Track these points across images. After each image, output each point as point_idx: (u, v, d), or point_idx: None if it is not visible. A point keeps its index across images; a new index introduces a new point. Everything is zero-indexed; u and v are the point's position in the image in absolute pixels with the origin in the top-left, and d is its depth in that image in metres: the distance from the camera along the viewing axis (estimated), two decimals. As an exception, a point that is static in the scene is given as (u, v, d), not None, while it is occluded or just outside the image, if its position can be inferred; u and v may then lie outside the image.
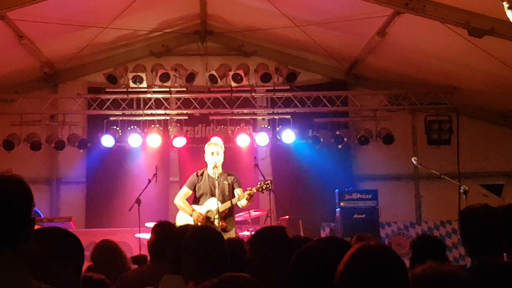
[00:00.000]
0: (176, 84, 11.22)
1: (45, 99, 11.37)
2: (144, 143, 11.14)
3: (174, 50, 11.99)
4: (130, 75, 10.93)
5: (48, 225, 5.03)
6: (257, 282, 2.71)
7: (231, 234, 7.87)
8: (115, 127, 11.25)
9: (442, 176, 9.31)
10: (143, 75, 10.96)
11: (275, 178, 10.57)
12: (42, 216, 10.16)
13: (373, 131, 11.35)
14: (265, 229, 4.14)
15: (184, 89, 11.29)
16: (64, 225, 8.77)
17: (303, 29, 10.03)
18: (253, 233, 4.41)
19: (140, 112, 11.32)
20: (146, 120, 11.38)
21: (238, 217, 8.86)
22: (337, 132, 11.34)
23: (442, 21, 8.30)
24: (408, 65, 10.88)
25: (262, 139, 11.18)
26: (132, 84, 10.98)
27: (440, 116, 11.54)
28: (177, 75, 11.17)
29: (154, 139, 11.07)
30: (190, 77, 11.00)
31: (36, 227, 2.34)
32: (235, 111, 11.42)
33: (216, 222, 7.85)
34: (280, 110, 11.47)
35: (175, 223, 7.55)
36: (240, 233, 8.56)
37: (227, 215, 8.11)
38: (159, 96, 11.33)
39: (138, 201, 9.00)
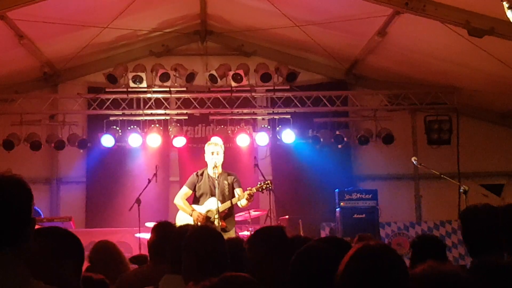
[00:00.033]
0: (176, 84, 11.22)
1: (45, 99, 11.37)
2: (144, 143, 11.14)
3: (174, 50, 11.99)
4: (130, 75, 10.93)
5: (48, 225, 5.02)
6: (257, 282, 2.71)
7: (231, 234, 7.88)
8: (115, 127, 11.25)
9: (442, 176, 9.32)
10: (143, 75, 10.96)
11: (275, 178, 10.55)
12: (42, 214, 10.17)
13: (373, 131, 11.35)
14: (264, 229, 4.14)
15: (184, 89, 11.29)
16: (64, 225, 8.78)
17: (303, 29, 10.03)
18: (252, 233, 4.40)
19: (140, 112, 11.32)
20: (146, 120, 11.38)
21: (238, 217, 8.87)
22: (337, 132, 11.34)
23: (442, 21, 8.30)
24: (408, 65, 10.88)
25: (262, 139, 11.18)
26: (132, 84, 10.98)
27: (440, 116, 11.55)
28: (177, 75, 11.17)
29: (154, 139, 11.07)
30: (190, 77, 11.00)
31: (36, 227, 2.34)
32: (235, 111, 11.42)
33: (216, 222, 7.85)
34: (280, 110, 11.47)
35: (175, 223, 7.57)
36: (240, 233, 8.56)
37: (227, 215, 8.11)
38: (159, 96, 11.34)
39: (138, 201, 9.00)
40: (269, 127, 11.48)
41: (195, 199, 8.30)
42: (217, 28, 11.75)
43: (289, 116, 11.43)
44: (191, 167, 9.81)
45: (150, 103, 11.33)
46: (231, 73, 10.94)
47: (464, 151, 11.41)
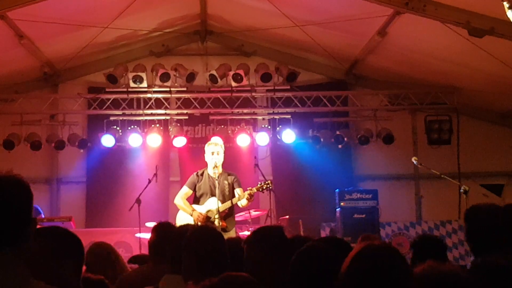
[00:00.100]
0: (176, 84, 11.23)
1: (45, 99, 11.37)
2: (144, 143, 11.14)
3: (174, 50, 11.99)
4: (130, 75, 10.93)
5: (48, 225, 5.01)
6: (257, 282, 2.71)
7: (231, 234, 7.87)
8: (115, 127, 11.25)
9: (442, 176, 9.31)
10: (143, 75, 10.97)
11: (275, 178, 10.56)
12: (42, 212, 10.17)
13: (373, 131, 11.35)
14: (263, 229, 4.13)
15: (184, 89, 11.30)
16: (64, 224, 8.78)
17: (303, 29, 10.03)
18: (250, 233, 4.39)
19: (140, 112, 11.32)
20: (146, 120, 11.38)
21: (238, 217, 8.86)
22: (337, 132, 11.34)
23: (442, 21, 8.30)
24: (408, 65, 10.88)
25: (262, 139, 11.18)
26: (132, 84, 10.99)
27: (440, 116, 11.55)
28: (177, 75, 11.17)
29: (154, 139, 11.08)
30: (190, 77, 11.01)
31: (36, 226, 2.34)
32: (235, 111, 11.42)
33: (216, 222, 7.85)
34: (280, 110, 11.48)
35: (175, 223, 7.59)
36: (240, 233, 8.55)
37: (227, 215, 8.11)
38: (159, 96, 11.34)
39: (138, 201, 9.00)
40: (269, 127, 11.48)
41: (195, 199, 8.30)
42: (217, 28, 11.75)
43: (289, 116, 11.43)
44: (191, 167, 9.80)
45: (150, 103, 11.33)
46: (231, 73, 10.94)
47: (464, 151, 11.41)
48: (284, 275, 3.19)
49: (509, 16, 6.41)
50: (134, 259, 5.90)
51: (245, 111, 11.54)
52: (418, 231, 10.26)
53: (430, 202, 11.68)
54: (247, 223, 9.16)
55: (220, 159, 8.20)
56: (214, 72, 11.03)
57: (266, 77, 11.03)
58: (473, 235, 3.66)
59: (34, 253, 2.27)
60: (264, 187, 8.24)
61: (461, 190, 8.51)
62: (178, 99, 11.40)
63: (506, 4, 6.36)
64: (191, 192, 8.32)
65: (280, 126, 11.34)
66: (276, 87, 11.31)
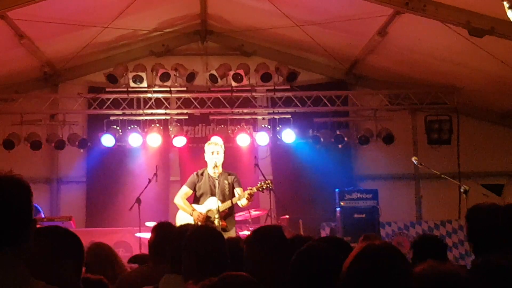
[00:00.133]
0: (176, 84, 11.22)
1: (45, 98, 11.37)
2: (144, 143, 11.14)
3: (174, 50, 11.99)
4: (130, 75, 10.93)
5: (48, 224, 5.00)
6: (257, 281, 2.71)
7: (231, 233, 7.88)
8: (115, 126, 11.24)
9: (442, 175, 9.32)
10: (143, 74, 10.96)
11: (275, 178, 10.56)
12: (41, 211, 10.17)
13: (374, 130, 11.35)
14: (262, 229, 4.13)
15: (184, 88, 11.29)
16: (65, 224, 8.78)
17: (303, 29, 10.02)
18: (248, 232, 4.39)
19: (140, 111, 11.32)
20: (146, 119, 11.38)
21: (239, 216, 8.87)
22: (337, 132, 11.34)
23: (443, 21, 8.30)
24: (408, 65, 10.88)
25: (262, 138, 11.18)
26: (132, 84, 10.98)
27: (440, 116, 11.55)
28: (177, 74, 11.17)
29: (154, 139, 11.07)
30: (190, 77, 11.00)
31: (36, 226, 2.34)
32: (235, 110, 11.42)
33: (216, 222, 7.85)
34: (280, 110, 11.47)
35: (175, 223, 7.59)
36: (240, 233, 8.56)
37: (227, 214, 8.11)
38: (159, 95, 11.34)
39: (138, 200, 9.01)
40: (269, 126, 11.48)
41: (195, 199, 8.30)
42: (217, 28, 11.75)
43: (290, 116, 11.43)
44: (191, 166, 9.81)
45: (150, 103, 11.33)
46: (231, 73, 10.94)
47: (464, 151, 11.41)
48: (283, 274, 3.19)
49: (509, 16, 6.41)
50: (134, 259, 5.90)
51: (245, 111, 11.54)
52: (418, 231, 10.27)
53: (430, 202, 11.68)
54: (247, 223, 9.16)
55: (220, 158, 8.21)
56: (214, 72, 11.03)
57: (266, 77, 11.02)
58: (474, 235, 3.66)
59: (34, 253, 2.27)
60: (264, 187, 8.24)
61: (461, 190, 8.52)
62: (178, 99, 11.40)
63: (506, 4, 6.36)
64: (191, 191, 8.33)
65: (280, 126, 11.34)
66: (276, 87, 11.31)
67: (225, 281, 2.58)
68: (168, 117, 11.49)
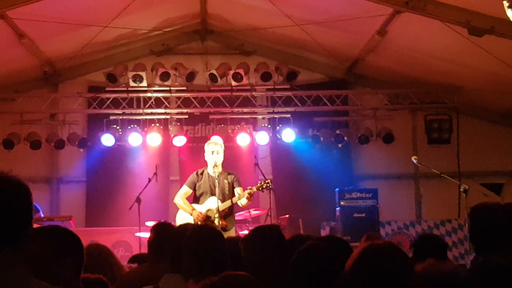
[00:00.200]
0: (176, 83, 11.22)
1: (45, 98, 11.37)
2: (144, 142, 11.14)
3: (174, 49, 11.99)
4: (130, 74, 10.93)
5: (48, 224, 5.00)
6: (257, 281, 2.71)
7: (231, 233, 7.88)
8: (115, 126, 11.25)
9: (442, 175, 9.31)
10: (143, 74, 10.96)
11: (275, 177, 10.55)
12: (40, 210, 10.17)
13: (373, 130, 11.35)
14: (260, 228, 4.13)
15: (184, 88, 11.29)
16: (64, 224, 8.78)
17: (303, 28, 10.03)
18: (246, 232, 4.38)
19: (140, 111, 11.32)
20: (146, 119, 11.38)
21: (238, 216, 8.87)
22: (337, 131, 11.34)
23: (442, 20, 8.30)
24: (408, 64, 10.88)
25: (262, 138, 11.18)
26: (132, 83, 10.98)
27: (440, 115, 11.56)
28: (177, 74, 11.17)
29: (154, 138, 11.07)
30: (190, 76, 11.00)
31: (36, 226, 2.34)
32: (235, 110, 11.42)
33: (216, 221, 7.85)
34: (280, 109, 11.48)
35: (175, 222, 7.58)
36: (240, 232, 8.56)
37: (227, 214, 8.11)
38: (159, 95, 11.34)
39: (138, 200, 9.00)
40: (269, 126, 11.48)
41: (195, 198, 8.30)
42: (217, 27, 11.75)
43: (289, 115, 11.43)
44: (191, 166, 9.82)
45: (150, 102, 11.33)
46: (231, 72, 10.94)
47: (464, 150, 11.41)
48: (282, 274, 3.19)
49: (509, 15, 6.41)
50: (134, 259, 5.90)
51: (245, 110, 11.54)
52: (418, 230, 10.27)
53: (430, 201, 11.67)
54: (247, 222, 9.16)
55: (220, 158, 8.20)
56: (214, 71, 11.03)
57: (266, 76, 11.03)
58: (475, 234, 3.65)
59: (34, 253, 2.27)
60: (264, 186, 8.24)
61: (461, 189, 8.51)
62: (178, 98, 11.40)
63: (506, 3, 6.36)
64: (191, 191, 8.33)
65: (280, 125, 11.34)
66: (276, 86, 11.31)
67: (225, 281, 2.59)
68: (168, 117, 11.49)
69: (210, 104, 11.40)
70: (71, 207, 11.31)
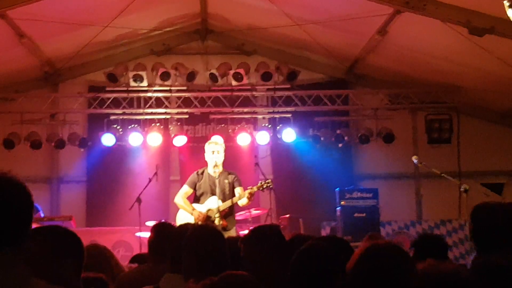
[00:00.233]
0: (176, 83, 11.23)
1: (45, 98, 11.37)
2: (144, 142, 11.14)
3: (174, 49, 11.99)
4: (131, 74, 10.93)
5: (49, 224, 4.99)
6: (257, 281, 2.71)
7: (231, 233, 7.88)
8: (115, 126, 11.25)
9: (442, 175, 9.31)
10: (143, 74, 10.97)
11: (275, 177, 10.55)
12: (40, 210, 10.18)
13: (374, 130, 11.35)
14: (260, 228, 4.13)
15: (185, 88, 11.30)
16: (65, 224, 8.78)
17: (304, 28, 10.03)
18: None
19: (141, 111, 11.32)
20: (146, 119, 11.38)
21: (239, 216, 8.87)
22: (338, 131, 11.34)
23: (443, 20, 8.30)
24: (409, 64, 10.88)
25: (263, 138, 11.18)
26: (132, 83, 10.99)
27: (440, 115, 11.56)
28: (177, 74, 11.17)
29: (155, 138, 11.08)
30: (191, 76, 11.00)
31: (36, 226, 2.33)
32: (236, 110, 11.42)
33: (216, 221, 7.85)
34: (280, 109, 11.48)
35: (175, 222, 7.59)
36: (240, 232, 8.55)
37: (228, 214, 8.11)
38: (160, 95, 11.34)
39: (138, 200, 9.01)
40: (269, 126, 11.48)
41: (195, 198, 8.29)
42: (217, 27, 11.75)
43: (290, 115, 11.43)
44: (192, 166, 9.81)
45: (150, 102, 11.33)
46: (231, 72, 10.94)
47: (465, 150, 11.42)
48: (282, 274, 3.19)
49: (509, 15, 6.40)
50: (135, 259, 5.90)
51: (246, 110, 11.54)
52: (418, 230, 10.25)
53: (430, 201, 11.66)
54: (248, 222, 9.16)
55: (220, 158, 8.20)
56: (214, 71, 11.03)
57: (266, 76, 11.03)
58: (476, 234, 3.65)
59: (34, 253, 2.27)
60: (264, 186, 8.24)
61: (462, 189, 8.52)
62: (179, 98, 11.40)
63: (506, 3, 6.35)
64: (191, 191, 8.32)
65: (281, 125, 11.34)
66: (276, 86, 11.32)
67: (225, 281, 2.59)
68: (168, 116, 11.49)
69: (210, 104, 11.40)
70: (71, 207, 11.31)
